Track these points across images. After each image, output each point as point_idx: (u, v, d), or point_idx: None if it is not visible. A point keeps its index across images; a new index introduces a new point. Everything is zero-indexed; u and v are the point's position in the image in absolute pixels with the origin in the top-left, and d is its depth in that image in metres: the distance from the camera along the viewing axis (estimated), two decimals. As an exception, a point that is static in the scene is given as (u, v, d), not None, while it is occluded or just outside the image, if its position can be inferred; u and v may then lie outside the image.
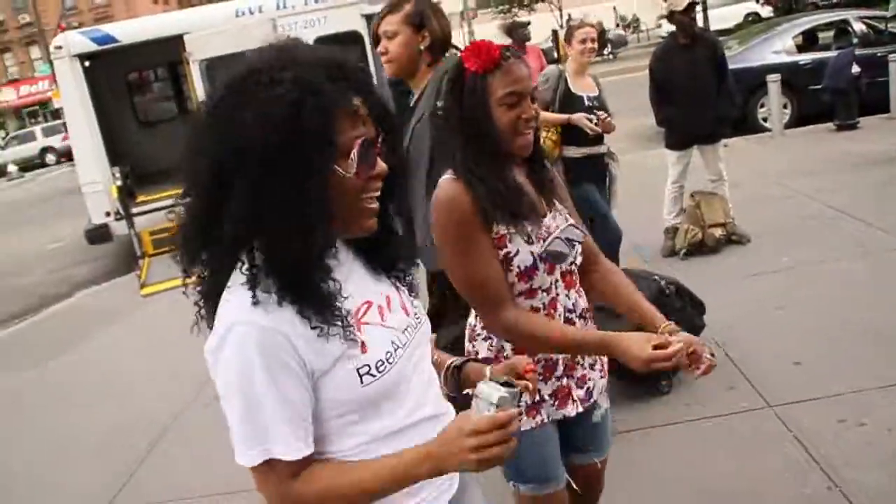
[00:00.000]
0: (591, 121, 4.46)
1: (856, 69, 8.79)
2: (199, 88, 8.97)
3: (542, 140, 4.36)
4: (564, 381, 1.95)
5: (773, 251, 5.31)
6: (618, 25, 36.39)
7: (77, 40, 9.21)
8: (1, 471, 4.44)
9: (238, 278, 1.21)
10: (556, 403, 1.94)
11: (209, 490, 3.65)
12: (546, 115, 4.47)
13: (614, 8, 37.67)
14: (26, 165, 30.58)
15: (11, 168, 28.97)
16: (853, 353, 3.73)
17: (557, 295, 1.89)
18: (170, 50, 9.35)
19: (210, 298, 1.28)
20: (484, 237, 1.79)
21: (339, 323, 1.22)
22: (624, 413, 3.53)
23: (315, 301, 1.21)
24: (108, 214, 9.07)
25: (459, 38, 26.85)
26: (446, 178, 1.84)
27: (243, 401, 1.19)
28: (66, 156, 19.68)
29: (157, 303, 7.27)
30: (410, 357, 1.34)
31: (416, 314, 1.40)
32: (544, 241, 1.83)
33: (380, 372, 1.26)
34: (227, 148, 1.17)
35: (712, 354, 1.74)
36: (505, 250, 1.82)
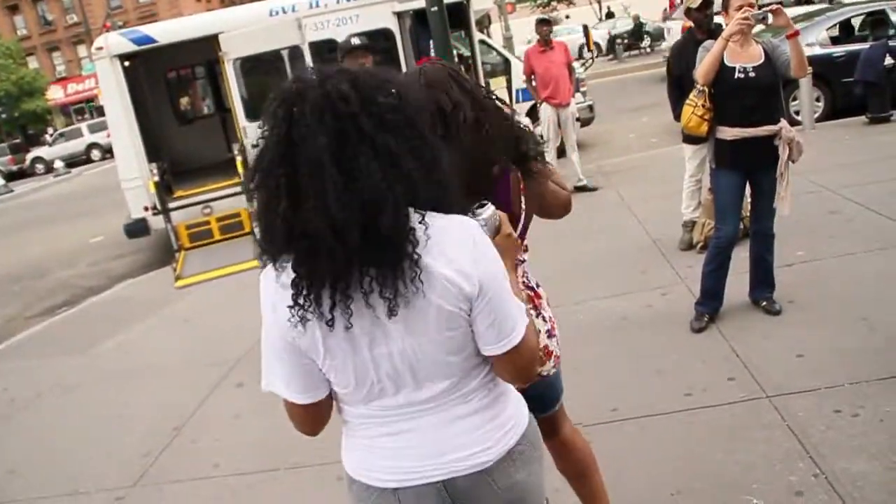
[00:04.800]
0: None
1: (889, 61, 8.67)
2: (234, 86, 9.21)
3: (687, 115, 4.03)
4: None
5: (790, 246, 5.28)
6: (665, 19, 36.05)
7: (117, 41, 9.44)
8: (47, 445, 4.74)
9: None
10: None
11: (234, 470, 3.84)
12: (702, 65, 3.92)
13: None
14: (73, 161, 31.31)
15: (58, 164, 29.52)
16: (858, 346, 3.76)
17: None
18: (206, 49, 9.58)
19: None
20: None
21: None
22: (623, 401, 3.64)
23: None
24: (146, 209, 9.31)
25: (498, 33, 26.74)
26: None
27: None
28: (110, 152, 20.29)
29: (190, 295, 7.55)
30: None
31: None
32: None
33: None
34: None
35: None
36: None
